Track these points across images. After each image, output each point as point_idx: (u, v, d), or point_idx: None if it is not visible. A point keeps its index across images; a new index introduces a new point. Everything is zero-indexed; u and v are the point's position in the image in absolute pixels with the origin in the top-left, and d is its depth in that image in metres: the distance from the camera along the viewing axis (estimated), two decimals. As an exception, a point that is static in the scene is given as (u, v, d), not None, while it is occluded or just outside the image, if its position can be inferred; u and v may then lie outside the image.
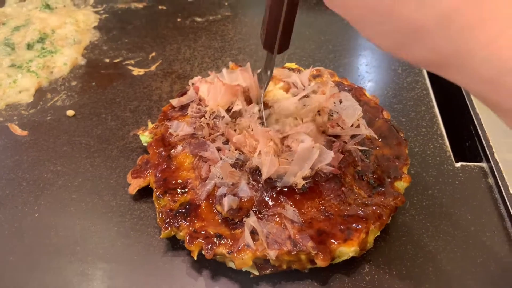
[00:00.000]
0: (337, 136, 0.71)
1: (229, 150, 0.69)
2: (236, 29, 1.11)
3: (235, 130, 0.71)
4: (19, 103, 0.93)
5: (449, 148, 0.81)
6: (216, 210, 0.64)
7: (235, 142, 0.69)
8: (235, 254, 0.60)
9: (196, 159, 0.70)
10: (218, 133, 0.72)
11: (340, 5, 0.42)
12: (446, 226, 0.69)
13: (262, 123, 0.70)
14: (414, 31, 0.38)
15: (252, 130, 0.69)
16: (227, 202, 0.63)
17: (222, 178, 0.66)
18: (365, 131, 0.72)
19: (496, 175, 0.74)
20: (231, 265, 0.63)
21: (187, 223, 0.63)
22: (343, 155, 0.68)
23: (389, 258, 0.66)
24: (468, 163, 0.78)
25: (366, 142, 0.72)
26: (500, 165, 0.75)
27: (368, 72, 0.98)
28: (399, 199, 0.66)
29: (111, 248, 0.68)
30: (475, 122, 0.83)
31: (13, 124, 0.88)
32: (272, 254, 0.59)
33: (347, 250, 0.61)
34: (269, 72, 0.69)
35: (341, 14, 0.43)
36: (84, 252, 0.68)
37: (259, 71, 0.74)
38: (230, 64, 0.89)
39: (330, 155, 0.65)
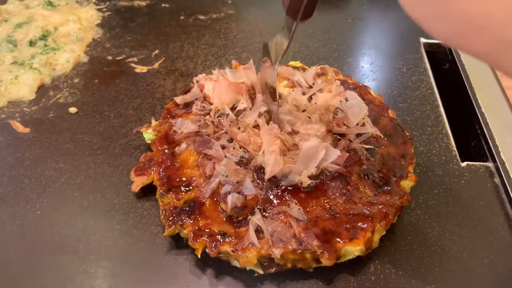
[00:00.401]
0: (342, 135, 0.70)
1: (234, 148, 0.68)
2: (239, 27, 1.10)
3: (239, 128, 0.71)
4: (21, 100, 0.92)
5: (454, 148, 0.80)
6: (221, 208, 0.63)
7: (239, 140, 0.68)
8: (240, 253, 0.59)
9: (200, 157, 0.69)
10: (223, 131, 0.72)
11: None
12: (452, 226, 0.69)
13: (271, 121, 0.69)
14: (477, 22, 0.34)
15: (256, 128, 0.69)
16: (231, 200, 0.62)
17: (227, 176, 0.65)
18: (370, 129, 0.71)
19: (502, 174, 0.74)
20: (235, 263, 0.62)
21: (191, 221, 0.62)
22: (348, 154, 0.67)
23: (394, 258, 0.65)
24: (473, 163, 0.78)
25: (371, 141, 0.72)
26: (506, 164, 0.75)
27: (372, 71, 0.97)
28: (405, 198, 0.65)
29: (113, 246, 0.67)
30: (481, 121, 0.83)
31: (15, 121, 0.87)
32: (277, 252, 0.59)
33: (353, 249, 0.60)
34: (289, 40, 0.63)
35: None
36: (86, 250, 0.67)
37: (270, 42, 0.70)
38: (234, 62, 0.88)
39: (335, 153, 0.64)
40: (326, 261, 0.59)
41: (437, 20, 0.37)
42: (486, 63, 0.39)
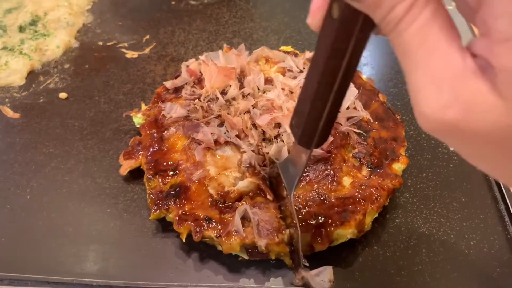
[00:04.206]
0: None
1: (225, 133, 0.68)
2: (231, 12, 1.10)
3: (228, 114, 0.71)
4: (11, 85, 0.92)
5: (444, 132, 0.80)
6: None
7: (235, 124, 0.68)
8: (223, 239, 0.59)
9: (188, 141, 0.69)
10: (213, 116, 0.71)
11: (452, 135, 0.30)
12: (440, 209, 0.69)
13: (296, 226, 0.58)
14: None
15: (247, 113, 0.70)
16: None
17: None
18: (362, 113, 0.71)
19: (491, 158, 0.74)
20: (221, 248, 0.63)
21: (177, 205, 0.62)
22: (332, 138, 0.67)
23: (382, 240, 0.66)
24: (463, 147, 0.78)
25: (363, 124, 0.72)
26: (494, 148, 0.75)
27: (364, 56, 0.97)
28: (396, 180, 0.65)
29: (104, 230, 0.68)
30: (471, 105, 0.83)
31: (5, 107, 0.87)
32: (261, 243, 0.58)
33: (345, 233, 0.61)
34: (300, 169, 0.54)
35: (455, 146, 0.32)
36: (76, 233, 0.67)
37: (281, 161, 0.60)
38: (225, 46, 0.88)
39: None
40: (319, 246, 0.60)
41: None
42: None
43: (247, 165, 0.65)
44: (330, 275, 0.58)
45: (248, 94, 0.73)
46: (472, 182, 0.73)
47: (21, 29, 1.03)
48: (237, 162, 0.66)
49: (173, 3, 1.13)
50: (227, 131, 0.69)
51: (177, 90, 0.79)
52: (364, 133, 0.71)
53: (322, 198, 0.62)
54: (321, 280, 0.58)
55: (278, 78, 0.76)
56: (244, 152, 0.66)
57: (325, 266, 0.59)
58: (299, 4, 1.12)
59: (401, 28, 0.29)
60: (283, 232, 0.60)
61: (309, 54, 0.84)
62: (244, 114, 0.70)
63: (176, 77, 0.81)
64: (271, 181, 0.65)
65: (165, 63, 0.96)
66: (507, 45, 0.26)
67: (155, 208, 0.63)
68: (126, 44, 1.01)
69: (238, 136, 0.68)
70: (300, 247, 0.58)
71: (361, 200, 0.62)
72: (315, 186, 0.64)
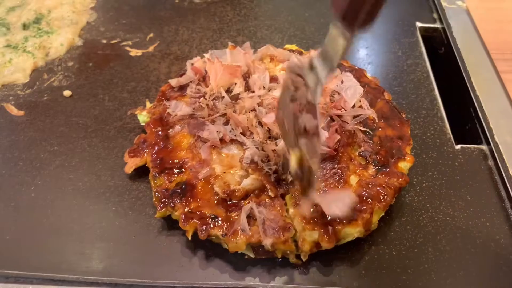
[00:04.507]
0: (340, 117, 0.70)
1: (230, 131, 0.68)
2: (235, 10, 1.10)
3: (234, 111, 0.71)
4: (15, 83, 0.92)
5: (449, 131, 0.81)
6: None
7: (241, 122, 0.68)
8: (230, 237, 0.59)
9: (194, 139, 0.69)
10: (218, 114, 0.71)
11: None
12: (446, 207, 0.69)
13: (317, 136, 0.53)
14: None
15: (253, 112, 0.70)
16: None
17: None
18: (368, 111, 0.71)
19: (496, 157, 0.74)
20: (227, 246, 0.62)
21: (183, 203, 0.62)
22: (339, 136, 0.67)
23: (388, 239, 0.66)
24: (468, 145, 0.78)
25: (369, 123, 0.72)
26: (500, 147, 0.75)
27: (368, 55, 0.97)
28: (403, 179, 0.65)
29: (109, 228, 0.67)
30: (476, 104, 0.83)
31: (9, 104, 0.87)
32: (267, 242, 0.58)
33: (352, 231, 0.60)
34: (335, 60, 0.48)
35: None
36: (81, 231, 0.67)
37: (318, 51, 0.52)
38: (230, 44, 0.88)
39: (323, 135, 0.64)
40: (326, 244, 0.59)
41: None
42: None
43: (249, 162, 0.65)
44: (351, 199, 0.50)
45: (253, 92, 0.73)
46: (477, 180, 0.73)
47: (25, 27, 1.03)
48: (239, 159, 0.66)
49: (176, 1, 1.12)
50: (233, 129, 0.69)
51: (182, 88, 0.79)
52: (370, 132, 0.71)
53: (329, 196, 0.62)
54: (339, 205, 0.51)
55: (283, 77, 0.76)
56: (248, 149, 0.66)
57: (345, 190, 0.53)
58: (303, 3, 1.12)
59: None
60: (289, 229, 0.59)
61: (314, 53, 0.84)
62: (249, 112, 0.70)
63: (181, 75, 0.81)
64: (278, 177, 0.65)
65: (169, 61, 0.96)
66: None
67: (161, 206, 0.63)
68: (130, 42, 1.01)
69: (243, 134, 0.68)
70: (316, 168, 0.50)
71: (368, 199, 0.62)
72: (323, 184, 0.63)
